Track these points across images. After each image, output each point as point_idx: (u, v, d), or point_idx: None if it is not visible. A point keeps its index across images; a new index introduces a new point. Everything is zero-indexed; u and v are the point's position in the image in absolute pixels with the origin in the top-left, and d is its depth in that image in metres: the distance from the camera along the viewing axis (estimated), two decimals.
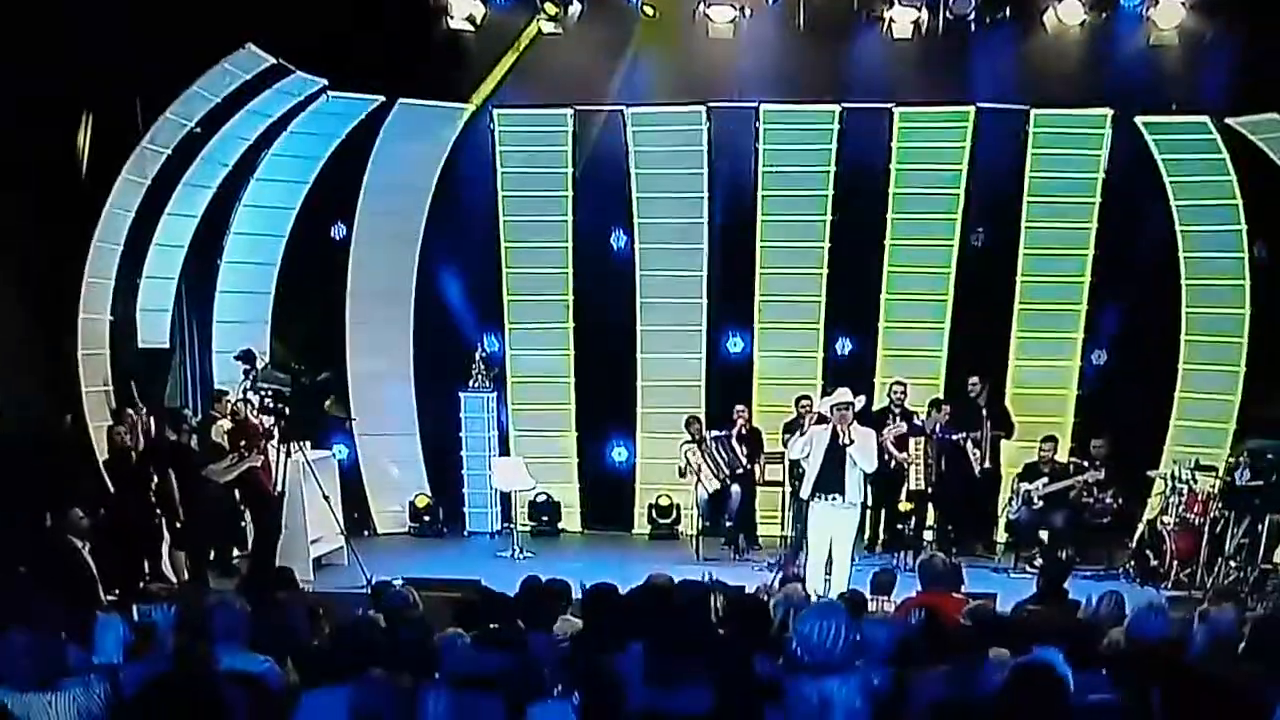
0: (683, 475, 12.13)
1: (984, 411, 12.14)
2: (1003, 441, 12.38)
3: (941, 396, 12.50)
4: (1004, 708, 4.56)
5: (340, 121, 12.95)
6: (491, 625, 5.92)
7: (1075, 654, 5.36)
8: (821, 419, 9.72)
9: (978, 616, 6.27)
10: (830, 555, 9.52)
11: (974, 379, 12.25)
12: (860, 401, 9.73)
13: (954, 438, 11.78)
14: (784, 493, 11.95)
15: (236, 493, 11.24)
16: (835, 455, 9.44)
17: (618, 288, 13.30)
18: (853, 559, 9.70)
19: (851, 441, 9.40)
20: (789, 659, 4.99)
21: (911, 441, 11.85)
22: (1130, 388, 12.66)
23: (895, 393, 12.13)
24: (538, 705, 4.99)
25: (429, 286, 13.52)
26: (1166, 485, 11.51)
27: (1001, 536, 12.54)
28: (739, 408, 12.57)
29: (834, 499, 9.42)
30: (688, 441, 12.19)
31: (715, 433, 12.18)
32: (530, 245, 13.49)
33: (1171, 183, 12.68)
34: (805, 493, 9.63)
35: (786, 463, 11.43)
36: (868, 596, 7.60)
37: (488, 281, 13.47)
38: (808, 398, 11.86)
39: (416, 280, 13.45)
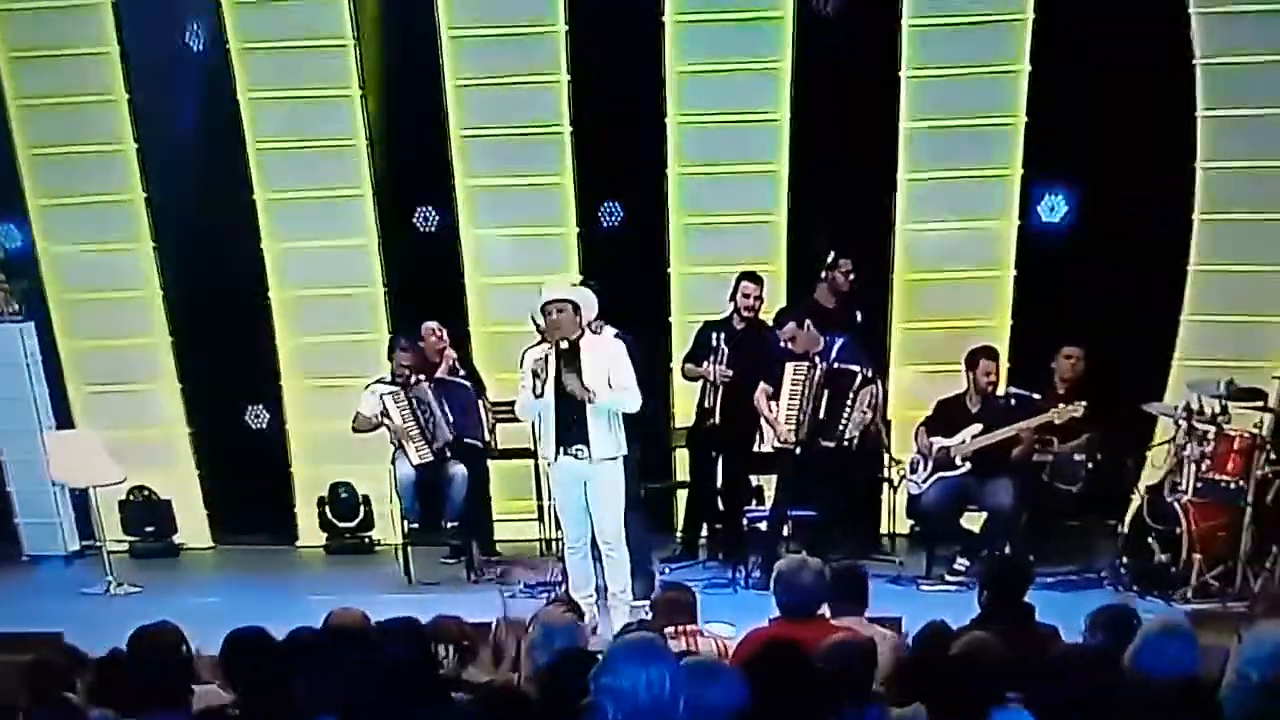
0: (358, 429, 9.52)
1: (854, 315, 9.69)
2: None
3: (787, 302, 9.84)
4: None
5: None
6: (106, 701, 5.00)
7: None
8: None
9: (844, 654, 4.84)
10: (595, 547, 8.11)
11: (842, 260, 9.57)
12: (590, 304, 7.94)
13: (847, 366, 9.42)
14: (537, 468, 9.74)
15: None
16: (563, 388, 8.21)
17: (213, 114, 10.06)
18: (645, 558, 8.40)
19: (572, 362, 7.98)
20: None
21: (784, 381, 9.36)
22: (1111, 259, 9.70)
23: (744, 295, 9.71)
24: None
25: None
26: (1178, 428, 9.04)
27: (899, 526, 10.01)
28: (430, 324, 9.77)
29: (577, 451, 8.06)
30: (381, 383, 9.63)
31: (422, 379, 9.67)
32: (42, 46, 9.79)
33: None
34: (547, 451, 8.31)
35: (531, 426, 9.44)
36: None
37: None
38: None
39: None
